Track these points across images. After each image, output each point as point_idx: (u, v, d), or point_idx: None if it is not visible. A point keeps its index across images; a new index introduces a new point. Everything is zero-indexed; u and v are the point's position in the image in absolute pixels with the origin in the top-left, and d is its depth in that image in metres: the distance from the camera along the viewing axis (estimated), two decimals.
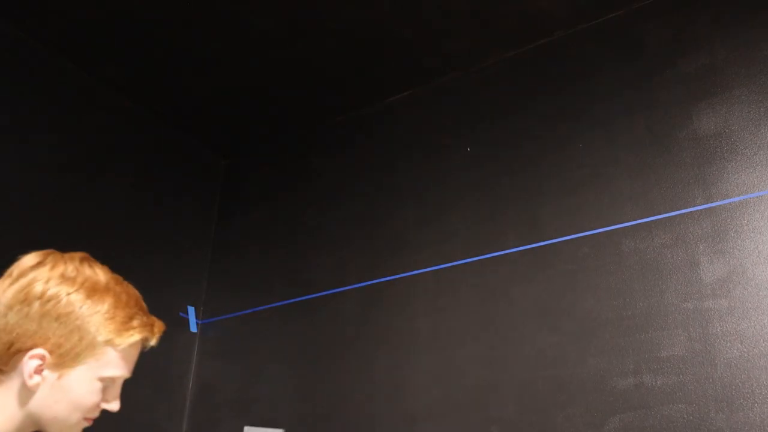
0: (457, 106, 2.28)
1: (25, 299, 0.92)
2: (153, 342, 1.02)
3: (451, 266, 2.04)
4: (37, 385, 0.93)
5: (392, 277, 2.15)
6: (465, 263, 2.02)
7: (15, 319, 0.92)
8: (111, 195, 2.30)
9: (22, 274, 0.94)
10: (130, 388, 2.15)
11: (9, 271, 0.95)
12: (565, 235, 1.87)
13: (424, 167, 2.26)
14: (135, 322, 0.98)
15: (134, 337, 0.97)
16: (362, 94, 2.45)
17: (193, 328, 2.50)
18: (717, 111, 1.77)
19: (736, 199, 1.66)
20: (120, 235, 2.31)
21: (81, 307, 0.93)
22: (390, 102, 2.47)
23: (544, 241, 1.90)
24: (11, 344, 0.92)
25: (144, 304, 1.03)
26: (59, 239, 2.09)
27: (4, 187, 1.98)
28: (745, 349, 1.52)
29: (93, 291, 0.95)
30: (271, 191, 2.65)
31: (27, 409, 0.95)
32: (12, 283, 0.93)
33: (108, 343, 0.95)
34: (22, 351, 0.92)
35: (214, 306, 2.55)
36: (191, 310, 2.51)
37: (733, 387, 1.50)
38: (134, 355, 1.02)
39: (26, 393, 0.94)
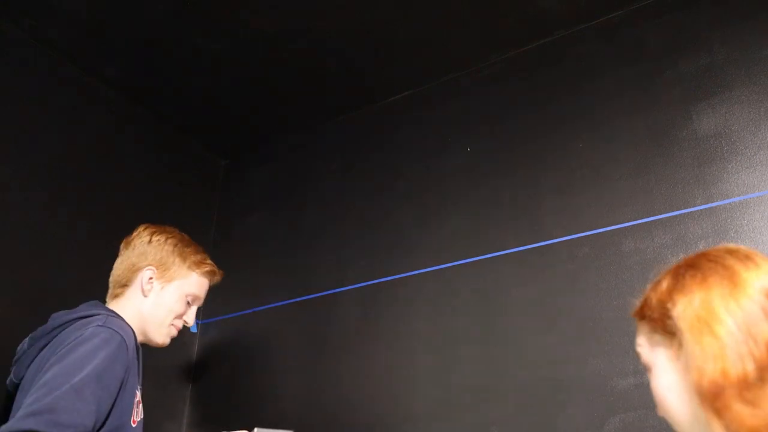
0: (457, 106, 2.28)
1: (134, 241, 1.58)
2: (217, 278, 1.62)
3: (451, 266, 2.04)
4: (150, 289, 1.49)
5: (392, 277, 2.15)
6: (465, 263, 2.02)
7: (135, 253, 1.54)
8: (110, 195, 2.30)
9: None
10: None
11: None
12: (565, 235, 1.87)
13: (424, 167, 2.26)
14: (208, 261, 1.60)
15: (208, 267, 1.58)
16: (362, 94, 2.45)
17: (193, 328, 2.50)
18: (717, 111, 1.77)
19: (736, 199, 1.66)
20: (120, 235, 2.30)
21: (173, 246, 1.54)
22: (390, 102, 2.47)
23: (544, 241, 1.90)
24: (135, 265, 1.52)
25: None
26: (58, 239, 2.09)
27: (3, 186, 1.98)
28: None
29: (182, 242, 1.58)
30: (271, 192, 2.64)
31: (141, 312, 1.47)
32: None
33: (190, 268, 1.54)
34: (140, 269, 1.51)
35: (214, 306, 2.54)
36: None
37: None
38: (206, 285, 1.59)
39: (142, 299, 1.48)
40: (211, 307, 2.55)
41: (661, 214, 1.75)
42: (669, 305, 0.84)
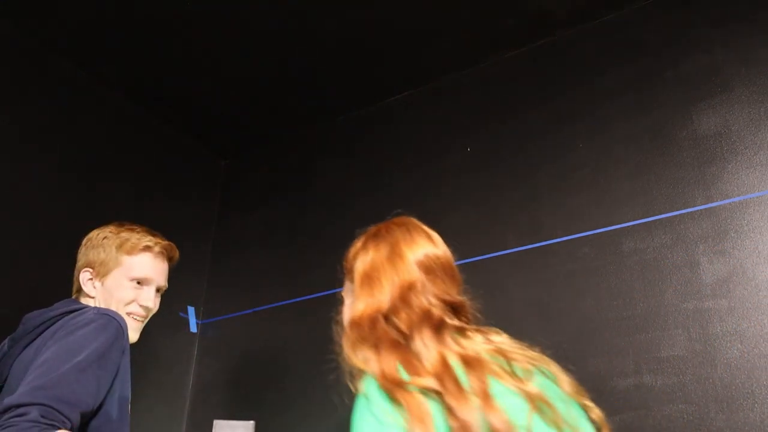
0: (457, 106, 2.28)
1: (81, 246, 1.53)
2: (158, 250, 1.50)
3: None
4: (93, 290, 1.46)
5: None
6: (465, 263, 2.02)
7: (78, 259, 1.51)
8: (110, 195, 2.30)
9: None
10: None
11: None
12: (565, 235, 1.87)
13: (424, 167, 2.26)
14: (145, 239, 1.49)
15: (143, 244, 1.48)
16: (362, 94, 2.45)
17: (193, 328, 2.50)
18: (717, 111, 1.77)
19: (736, 199, 1.66)
20: None
21: (103, 239, 1.49)
22: (390, 102, 2.47)
23: (543, 241, 1.90)
24: (77, 270, 1.50)
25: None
26: (58, 239, 2.09)
27: (3, 186, 1.98)
28: (745, 349, 1.52)
29: (114, 232, 1.51)
30: (271, 192, 2.65)
31: None
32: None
33: (121, 253, 1.47)
34: (79, 273, 1.48)
35: (214, 306, 2.54)
36: (191, 310, 2.51)
37: (733, 387, 1.50)
38: (150, 262, 1.49)
39: (93, 300, 1.46)
40: (211, 307, 2.55)
41: (661, 214, 1.75)
42: (355, 262, 1.16)
